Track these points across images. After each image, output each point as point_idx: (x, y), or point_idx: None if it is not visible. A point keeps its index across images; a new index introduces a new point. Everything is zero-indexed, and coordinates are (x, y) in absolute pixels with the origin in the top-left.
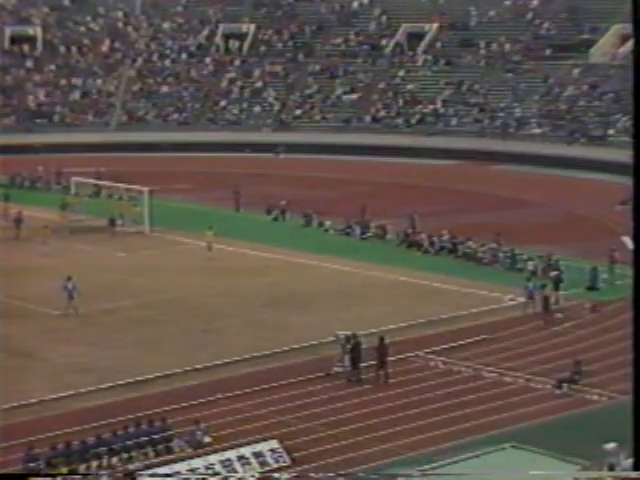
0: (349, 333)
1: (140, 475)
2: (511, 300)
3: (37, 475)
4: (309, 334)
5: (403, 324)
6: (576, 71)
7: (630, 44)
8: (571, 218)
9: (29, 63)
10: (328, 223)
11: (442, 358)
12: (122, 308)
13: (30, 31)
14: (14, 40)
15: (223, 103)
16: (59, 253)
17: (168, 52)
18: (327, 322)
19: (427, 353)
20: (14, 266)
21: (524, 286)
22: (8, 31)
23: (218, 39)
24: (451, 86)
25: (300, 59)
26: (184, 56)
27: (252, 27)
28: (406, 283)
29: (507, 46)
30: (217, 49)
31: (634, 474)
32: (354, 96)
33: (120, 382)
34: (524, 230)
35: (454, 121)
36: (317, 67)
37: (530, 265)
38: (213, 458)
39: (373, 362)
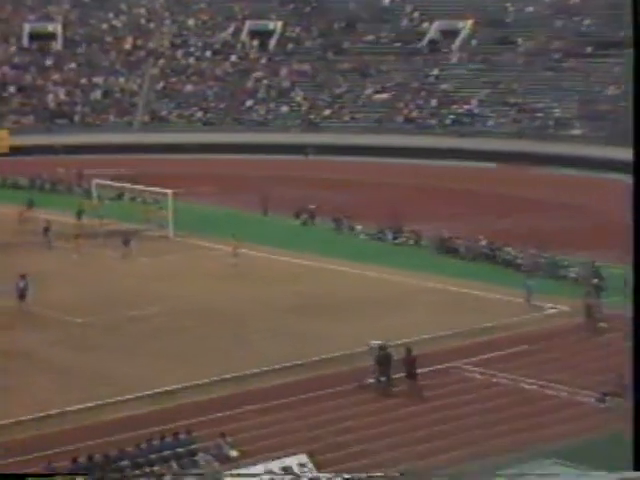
0: (382, 343)
1: None
2: (552, 308)
3: (37, 475)
4: (341, 344)
5: (439, 333)
6: (618, 69)
7: None
8: (613, 223)
9: (49, 61)
10: (359, 227)
11: (480, 369)
12: (147, 316)
13: (50, 27)
14: (33, 37)
15: (249, 103)
16: (86, 260)
17: (192, 50)
18: (360, 331)
19: (464, 364)
20: (42, 274)
21: (570, 294)
22: (27, 27)
23: (244, 36)
24: (487, 85)
25: (329, 57)
26: (209, 54)
27: (279, 24)
28: (442, 290)
29: (546, 43)
30: (243, 46)
31: (634, 474)
32: (385, 95)
33: (144, 393)
34: (564, 235)
35: (490, 122)
36: (347, 65)
37: (572, 272)
38: (240, 473)
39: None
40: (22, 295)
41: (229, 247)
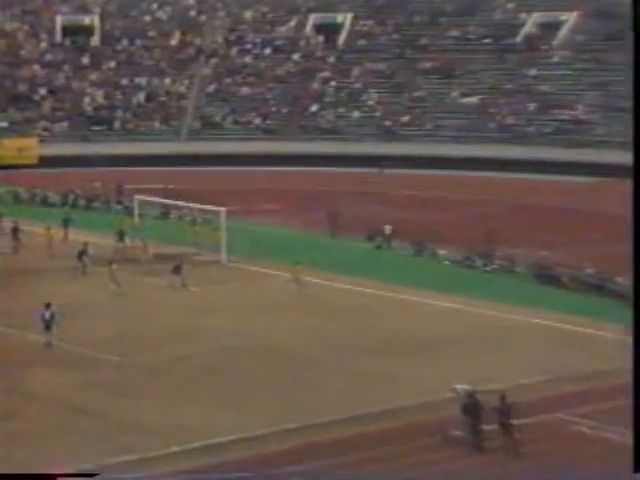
0: (470, 388)
1: None
2: None
3: (37, 475)
4: (422, 389)
5: (539, 378)
6: None
7: None
8: None
9: (85, 59)
10: (443, 252)
11: (589, 422)
12: (195, 355)
13: (86, 21)
14: (67, 31)
15: (315, 108)
16: (125, 288)
17: (249, 47)
18: (444, 374)
19: (570, 415)
20: (74, 304)
21: None
22: (60, 21)
23: (308, 31)
24: (596, 87)
25: (408, 55)
26: (268, 51)
27: (349, 17)
28: (541, 327)
29: None
30: (307, 43)
31: (634, 476)
32: (474, 99)
33: (191, 445)
34: None
35: (600, 129)
36: (429, 65)
37: None
38: None
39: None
40: (47, 327)
41: (290, 274)
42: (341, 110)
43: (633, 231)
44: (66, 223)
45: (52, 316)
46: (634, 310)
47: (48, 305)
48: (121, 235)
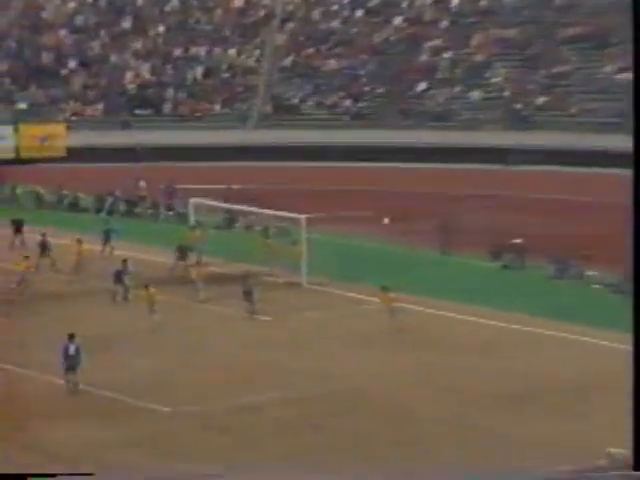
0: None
1: None
2: None
3: (36, 475)
4: (569, 453)
5: None
6: None
7: None
8: None
9: (125, 23)
10: (593, 274)
11: None
12: (265, 404)
13: None
14: None
15: (422, 87)
16: (177, 317)
17: (336, 8)
18: (596, 433)
19: None
20: (109, 337)
21: None
22: None
23: None
24: None
25: (546, 18)
26: (360, 14)
27: None
28: None
29: None
30: (412, 3)
31: (634, 474)
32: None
33: None
34: None
35: None
36: (573, 31)
37: None
38: None
39: None
40: (71, 367)
41: (382, 301)
42: (457, 90)
43: (633, 230)
44: (107, 235)
45: (77, 351)
46: (634, 311)
47: (72, 337)
48: (183, 251)
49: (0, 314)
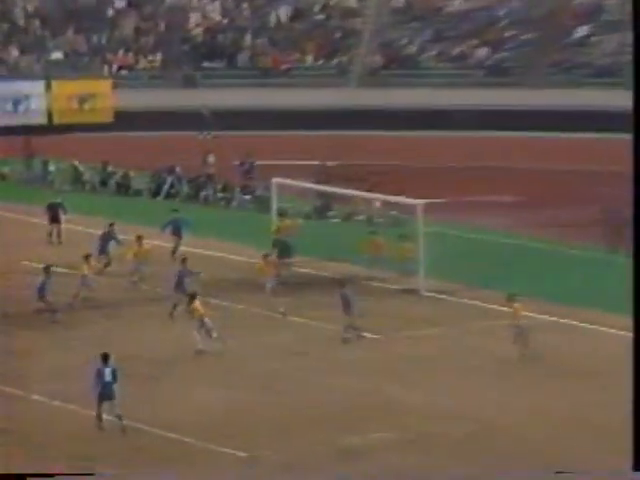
0: None
1: None
2: None
3: (37, 475)
4: None
5: None
6: None
7: None
8: None
9: None
10: None
11: None
12: (371, 447)
13: None
14: None
15: (582, 31)
16: (250, 333)
17: None
18: None
19: None
20: (163, 361)
21: None
22: None
23: None
24: None
25: None
26: None
27: None
28: None
29: None
30: None
31: (634, 475)
32: None
33: None
34: None
35: None
36: None
37: None
38: None
39: None
40: (106, 394)
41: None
42: (628, 37)
43: (633, 230)
44: (177, 227)
45: (114, 376)
46: (634, 308)
47: (106, 358)
48: (284, 248)
49: (33, 329)
